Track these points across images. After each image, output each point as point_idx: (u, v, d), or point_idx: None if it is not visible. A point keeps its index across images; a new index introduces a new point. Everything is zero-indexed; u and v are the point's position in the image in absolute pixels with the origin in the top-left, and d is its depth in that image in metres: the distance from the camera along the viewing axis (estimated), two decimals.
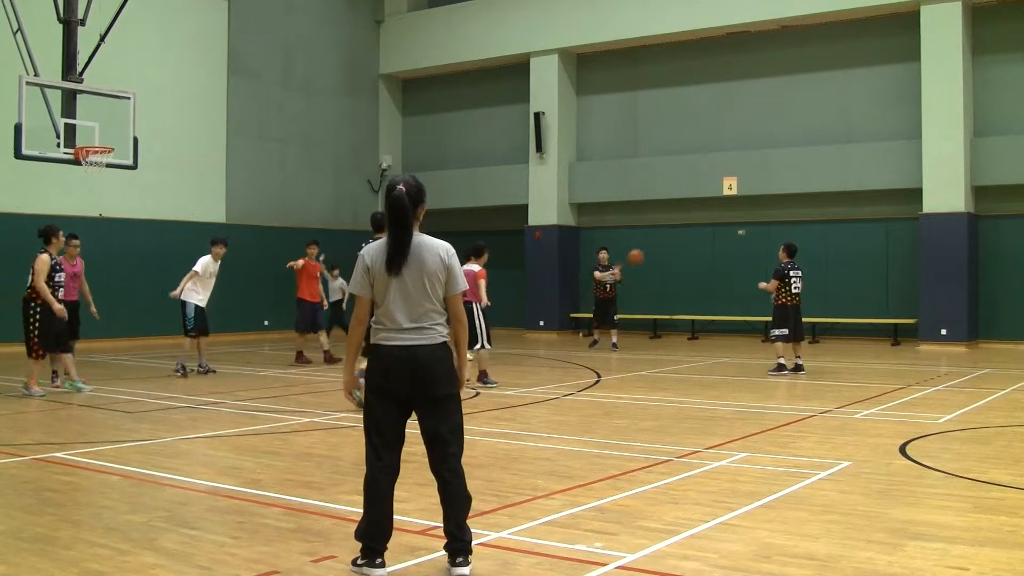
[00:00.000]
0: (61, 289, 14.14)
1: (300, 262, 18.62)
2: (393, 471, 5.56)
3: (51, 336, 13.90)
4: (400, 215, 5.47)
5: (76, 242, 15.15)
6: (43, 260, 13.79)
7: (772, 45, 26.08)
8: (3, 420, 11.92)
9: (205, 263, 16.79)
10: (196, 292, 16.74)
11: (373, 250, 5.59)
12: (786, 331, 16.58)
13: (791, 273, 16.69)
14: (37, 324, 13.76)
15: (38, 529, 6.60)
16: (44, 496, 7.72)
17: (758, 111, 26.29)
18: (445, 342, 5.58)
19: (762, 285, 17.09)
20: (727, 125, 26.71)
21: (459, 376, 5.66)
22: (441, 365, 5.52)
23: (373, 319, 5.59)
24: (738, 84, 26.65)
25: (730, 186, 26.04)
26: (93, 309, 15.55)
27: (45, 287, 13.66)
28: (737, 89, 26.67)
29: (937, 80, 23.07)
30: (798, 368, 16.68)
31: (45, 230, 14.22)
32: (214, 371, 16.96)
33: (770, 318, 17.14)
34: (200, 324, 16.79)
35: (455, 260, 5.62)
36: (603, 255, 22.77)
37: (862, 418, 11.72)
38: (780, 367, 16.63)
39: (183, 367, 16.67)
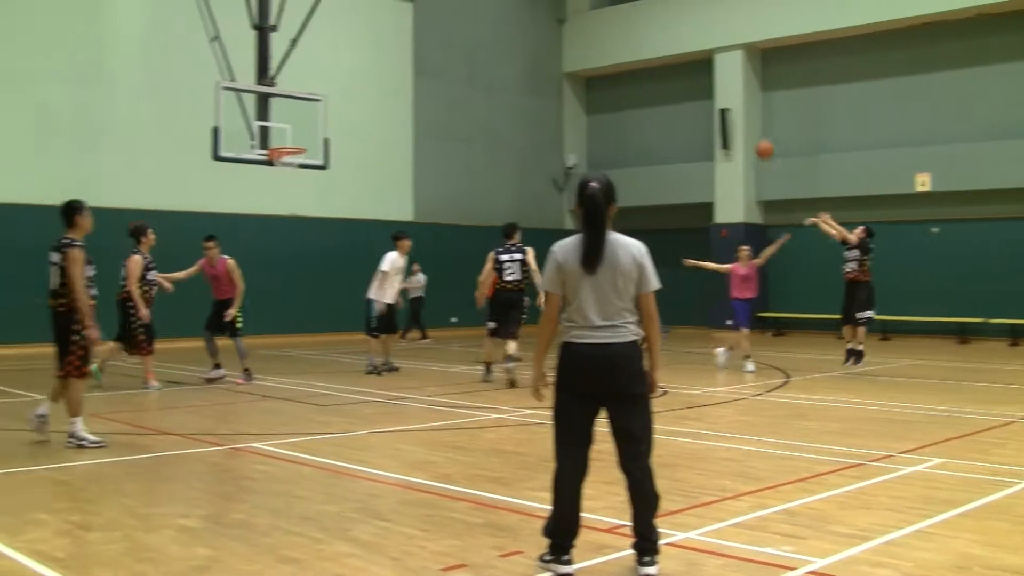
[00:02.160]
0: (155, 287, 14.37)
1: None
2: (582, 469, 5.53)
3: (150, 334, 14.24)
4: (595, 213, 5.45)
5: (210, 244, 15.22)
6: (135, 262, 13.99)
7: (965, 34, 25.13)
8: (205, 411, 12.42)
9: (392, 259, 16.45)
10: (384, 291, 16.50)
11: (566, 247, 5.54)
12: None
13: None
14: (139, 324, 14.03)
15: (237, 516, 6.84)
16: (242, 484, 8.00)
17: (951, 103, 25.38)
18: (636, 340, 5.53)
19: None
20: (918, 119, 25.86)
21: (651, 375, 5.61)
22: (633, 363, 5.47)
23: (564, 316, 5.56)
24: (930, 76, 25.77)
25: (923, 182, 25.22)
26: (231, 310, 15.11)
27: (136, 291, 13.90)
28: (929, 81, 25.80)
29: None
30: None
31: (134, 229, 14.37)
32: (396, 369, 16.91)
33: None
34: (385, 324, 16.62)
35: (648, 259, 5.56)
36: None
37: None
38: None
39: (374, 366, 16.62)
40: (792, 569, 5.58)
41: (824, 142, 27.59)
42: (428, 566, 5.66)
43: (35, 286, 20.68)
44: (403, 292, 18.81)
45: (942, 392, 14.28)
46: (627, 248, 5.51)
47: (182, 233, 22.52)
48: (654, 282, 5.57)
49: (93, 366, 14.51)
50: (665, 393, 13.74)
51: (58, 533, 6.36)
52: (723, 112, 27.98)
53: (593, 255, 5.42)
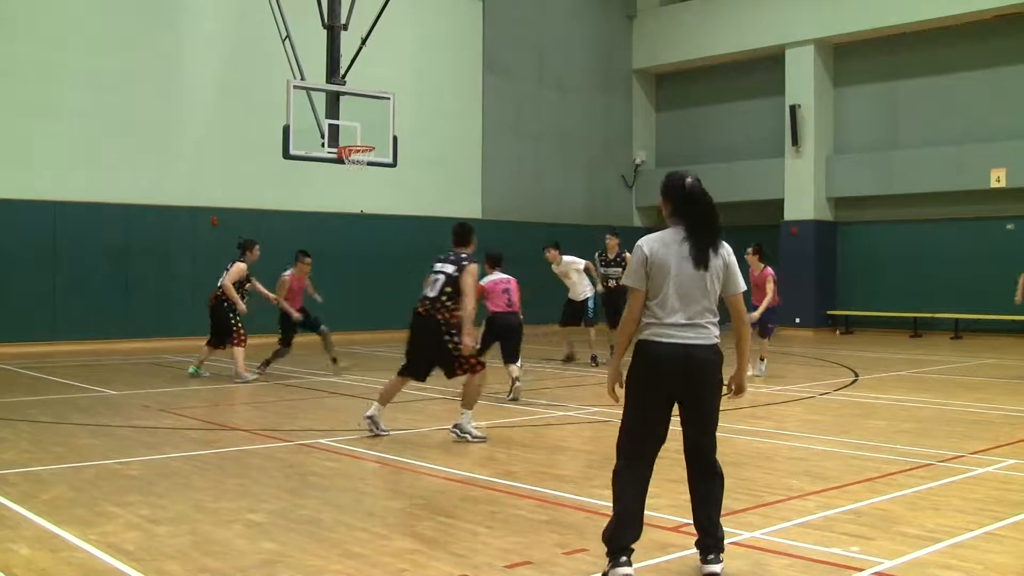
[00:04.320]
0: (246, 297, 15.40)
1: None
2: (648, 468, 5.49)
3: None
4: (706, 206, 5.41)
5: (308, 259, 16.06)
6: (239, 268, 15.22)
7: None
8: (273, 407, 12.55)
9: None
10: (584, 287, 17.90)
11: (654, 241, 5.41)
12: None
13: None
14: (236, 317, 15.18)
15: (303, 511, 6.90)
16: (309, 480, 8.06)
17: None
18: (717, 344, 5.44)
19: None
20: (994, 113, 25.39)
21: (740, 377, 5.64)
22: (714, 367, 5.40)
23: (645, 313, 5.44)
24: (1006, 70, 25.28)
25: (998, 178, 24.78)
26: (317, 296, 16.30)
27: (232, 289, 15.03)
28: (1005, 75, 25.31)
29: None
30: None
31: (244, 243, 15.56)
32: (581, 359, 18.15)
33: None
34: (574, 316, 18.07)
35: (734, 259, 5.50)
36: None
37: None
38: None
39: (593, 359, 17.86)
40: (859, 570, 5.52)
41: (896, 138, 27.22)
42: (492, 563, 5.68)
43: (113, 282, 21.28)
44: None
45: (1018, 392, 14.03)
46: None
47: (253, 231, 22.87)
48: (742, 283, 5.52)
49: (191, 368, 15.71)
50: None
51: (128, 526, 6.47)
52: (793, 108, 27.70)
53: (705, 250, 5.36)
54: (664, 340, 5.34)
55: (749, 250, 15.34)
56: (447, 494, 7.58)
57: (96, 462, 8.66)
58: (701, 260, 5.33)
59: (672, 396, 5.40)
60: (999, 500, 7.26)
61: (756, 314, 14.81)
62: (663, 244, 5.38)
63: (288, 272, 15.76)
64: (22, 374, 15.84)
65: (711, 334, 5.38)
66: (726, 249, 5.47)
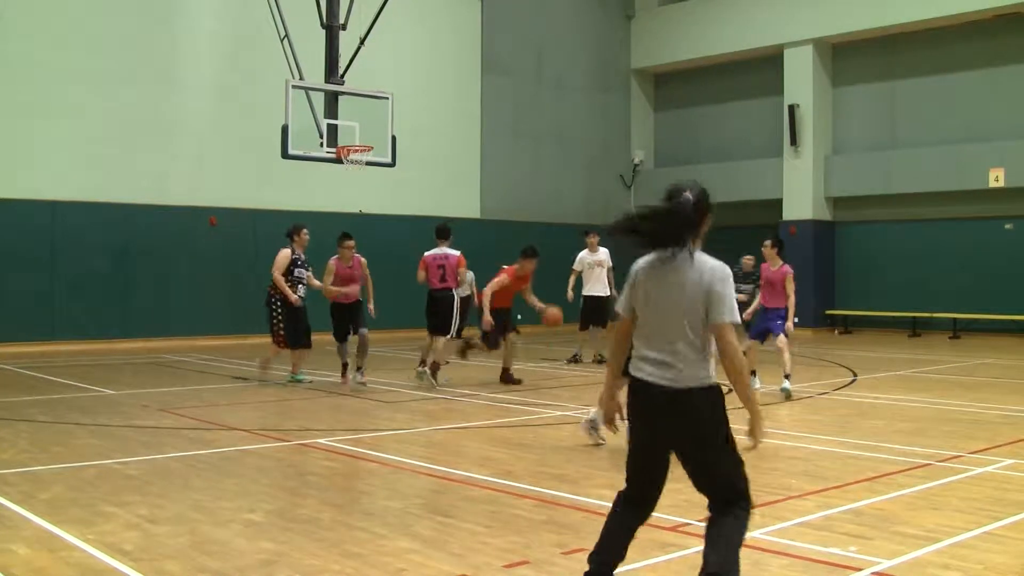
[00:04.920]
0: (300, 285, 14.42)
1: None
2: (635, 512, 4.94)
3: (297, 332, 14.44)
4: (674, 225, 4.72)
5: (349, 243, 14.56)
6: (283, 254, 14.36)
7: None
8: (271, 407, 12.56)
9: (580, 257, 18.26)
10: (588, 285, 18.09)
11: (642, 261, 4.90)
12: None
13: None
14: (281, 318, 14.35)
15: (301, 511, 6.91)
16: (307, 480, 8.07)
17: None
18: (695, 388, 4.68)
19: None
20: (993, 113, 25.41)
21: (751, 430, 4.98)
22: (691, 412, 4.71)
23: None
24: (1005, 69, 25.29)
25: (996, 177, 24.80)
26: (371, 306, 14.82)
27: (281, 279, 14.18)
28: (1004, 75, 25.32)
29: None
30: None
31: (291, 229, 14.79)
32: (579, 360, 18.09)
33: None
34: (591, 316, 17.92)
35: (723, 285, 4.62)
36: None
37: None
38: None
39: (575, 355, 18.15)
40: (858, 570, 5.54)
41: (895, 137, 27.23)
42: (490, 562, 5.68)
43: (112, 281, 21.27)
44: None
45: (1016, 392, 14.04)
46: (700, 268, 4.67)
47: (251, 231, 22.90)
48: (727, 313, 4.62)
49: (289, 376, 14.78)
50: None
51: (127, 526, 6.47)
52: (792, 108, 27.72)
53: (675, 270, 4.71)
54: (638, 376, 4.75)
55: (767, 243, 13.87)
56: (445, 494, 7.58)
57: (95, 462, 8.65)
58: (672, 282, 4.69)
59: (662, 438, 4.78)
60: (998, 500, 7.27)
61: (789, 324, 13.30)
62: (650, 265, 4.83)
63: (333, 259, 14.66)
64: (21, 374, 15.84)
65: (683, 374, 4.62)
66: (711, 271, 4.66)
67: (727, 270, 4.69)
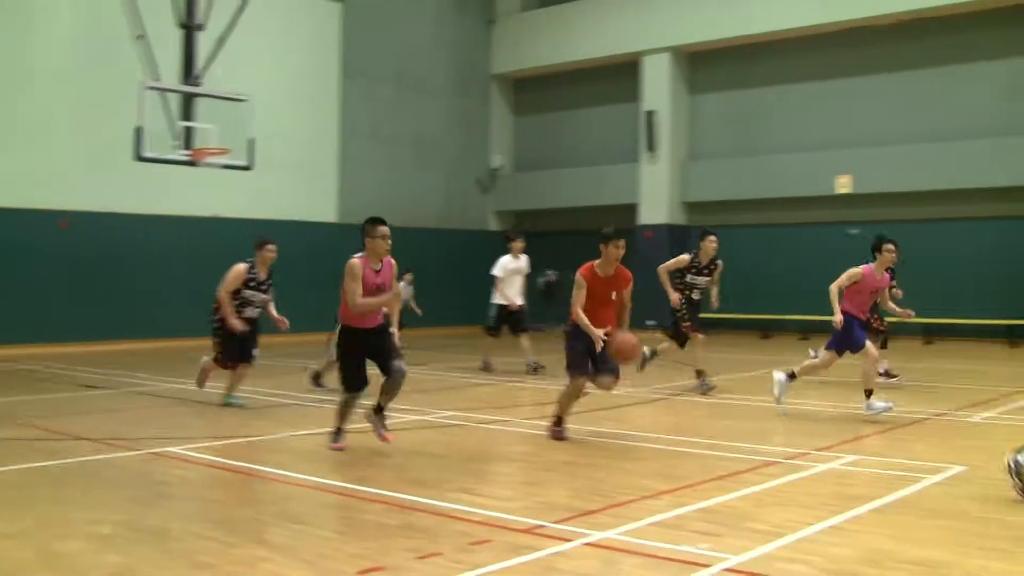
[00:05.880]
0: (252, 307, 12.52)
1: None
2: None
3: (232, 347, 12.55)
4: None
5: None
6: (235, 270, 12.37)
7: (888, 40, 25.55)
8: (123, 415, 12.24)
9: (503, 264, 17.20)
10: (504, 294, 17.11)
11: None
12: None
13: None
14: (221, 334, 12.53)
15: (151, 521, 6.75)
16: (157, 489, 7.89)
17: (874, 107, 25.79)
18: None
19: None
20: (841, 122, 26.26)
21: None
22: None
23: None
24: (854, 80, 26.17)
25: (843, 184, 25.59)
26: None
27: (225, 299, 12.24)
28: (853, 85, 26.20)
29: None
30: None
31: (256, 242, 12.69)
32: (542, 367, 16.78)
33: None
34: (503, 322, 17.21)
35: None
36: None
37: (978, 422, 11.45)
38: None
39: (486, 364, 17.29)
40: (708, 566, 5.62)
41: (749, 144, 27.89)
42: (343, 569, 5.63)
43: None
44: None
45: (858, 390, 14.40)
46: None
47: (107, 235, 22.33)
48: None
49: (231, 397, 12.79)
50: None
51: None
52: (649, 114, 28.16)
53: None
54: None
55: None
56: (299, 500, 7.50)
57: None
58: None
59: None
60: (840, 495, 7.49)
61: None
62: None
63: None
64: None
65: None
66: None
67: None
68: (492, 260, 17.53)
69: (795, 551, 5.96)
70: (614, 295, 10.04)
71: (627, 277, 10.21)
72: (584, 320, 9.68)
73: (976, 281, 24.13)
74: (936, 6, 24.06)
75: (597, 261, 10.14)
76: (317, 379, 14.57)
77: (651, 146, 28.19)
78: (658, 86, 28.41)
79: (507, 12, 31.91)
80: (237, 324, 12.21)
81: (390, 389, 9.55)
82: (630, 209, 28.76)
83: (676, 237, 28.25)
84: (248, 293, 12.38)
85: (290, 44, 26.45)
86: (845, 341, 11.92)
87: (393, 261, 10.02)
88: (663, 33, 28.24)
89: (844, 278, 11.96)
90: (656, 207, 28.36)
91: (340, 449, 9.34)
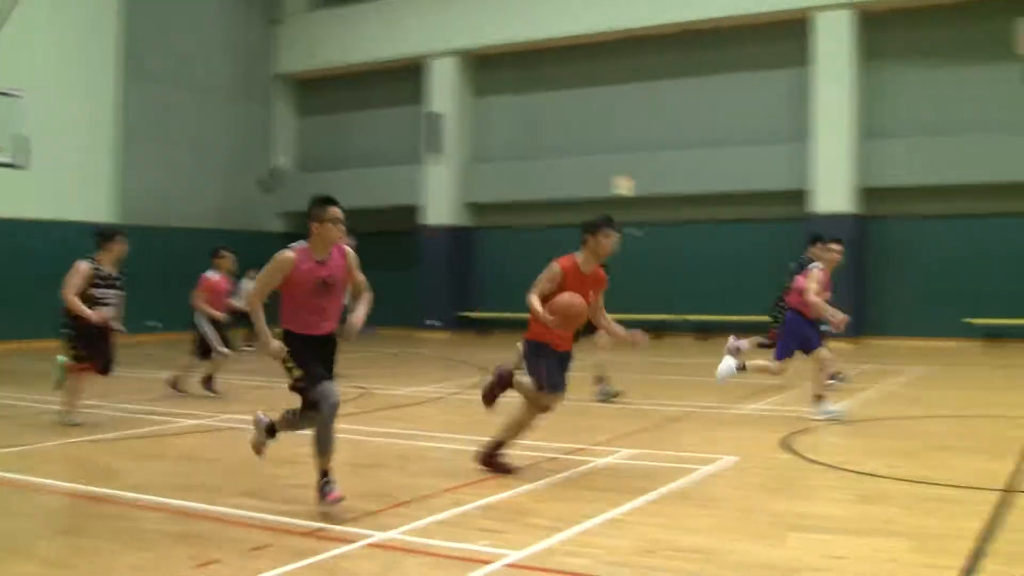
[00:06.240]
0: (105, 308, 10.99)
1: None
2: None
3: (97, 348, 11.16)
4: None
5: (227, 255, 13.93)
6: (78, 269, 10.91)
7: (668, 49, 26.39)
8: None
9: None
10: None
11: None
12: None
13: None
14: (75, 340, 11.06)
15: None
16: None
17: (652, 113, 26.59)
18: None
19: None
20: (621, 127, 26.95)
21: None
22: None
23: None
24: (634, 87, 26.89)
25: (625, 186, 26.20)
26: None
27: (74, 300, 10.78)
28: (632, 91, 26.91)
29: (827, 84, 23.64)
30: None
31: (100, 236, 11.25)
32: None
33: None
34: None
35: None
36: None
37: (745, 413, 11.97)
38: None
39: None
40: (489, 563, 5.68)
41: (534, 147, 28.27)
42: None
43: None
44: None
45: (636, 386, 14.80)
46: None
47: None
48: None
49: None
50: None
51: None
52: (434, 116, 28.25)
53: None
54: None
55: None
56: (71, 511, 7.25)
57: None
58: None
59: None
60: (617, 488, 7.69)
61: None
62: None
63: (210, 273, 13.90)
64: None
65: None
66: None
67: None
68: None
69: (576, 544, 6.09)
70: (591, 295, 8.57)
71: (603, 278, 8.83)
72: (537, 305, 8.47)
73: (754, 280, 25.02)
74: (714, 18, 25.05)
75: (580, 255, 8.73)
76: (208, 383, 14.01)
77: (434, 148, 28.27)
78: (444, 89, 28.54)
79: (294, 12, 31.50)
80: (95, 314, 10.77)
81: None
82: (415, 210, 28.80)
83: (459, 238, 28.49)
84: (98, 292, 10.94)
85: (67, 40, 25.35)
86: (797, 343, 11.73)
87: (349, 249, 7.77)
88: (450, 36, 28.40)
89: (814, 283, 11.82)
90: (439, 208, 28.48)
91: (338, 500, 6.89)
